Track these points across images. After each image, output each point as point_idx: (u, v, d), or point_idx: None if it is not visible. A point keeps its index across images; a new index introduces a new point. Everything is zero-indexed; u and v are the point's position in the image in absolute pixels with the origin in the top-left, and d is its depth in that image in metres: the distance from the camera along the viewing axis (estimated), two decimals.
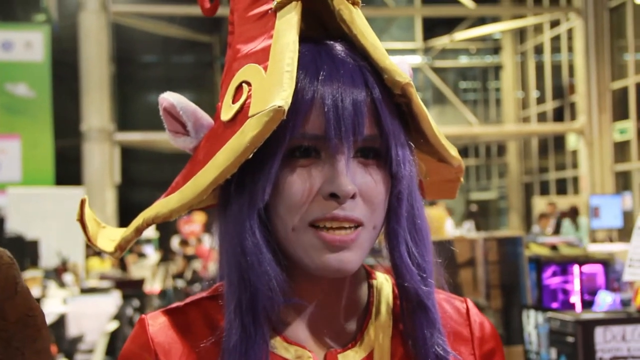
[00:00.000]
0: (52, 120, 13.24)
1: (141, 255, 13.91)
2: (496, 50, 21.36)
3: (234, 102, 0.88)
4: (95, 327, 6.45)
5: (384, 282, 0.98)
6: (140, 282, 9.63)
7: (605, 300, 3.01)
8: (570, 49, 16.75)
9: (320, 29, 0.94)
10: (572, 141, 16.56)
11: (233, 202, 0.87)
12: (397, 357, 0.92)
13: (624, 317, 2.31)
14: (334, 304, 0.92)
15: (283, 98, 0.82)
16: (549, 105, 18.04)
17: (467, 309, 1.00)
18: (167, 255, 14.03)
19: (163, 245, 15.40)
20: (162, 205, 0.91)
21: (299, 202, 0.85)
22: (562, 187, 17.55)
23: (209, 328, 0.91)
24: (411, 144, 0.91)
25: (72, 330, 6.54)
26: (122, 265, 11.30)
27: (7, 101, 13.20)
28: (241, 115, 0.86)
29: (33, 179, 12.60)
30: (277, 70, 0.84)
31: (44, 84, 13.10)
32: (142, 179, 19.32)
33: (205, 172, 0.86)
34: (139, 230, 0.93)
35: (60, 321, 6.42)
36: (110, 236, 0.97)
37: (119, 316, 6.70)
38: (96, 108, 14.19)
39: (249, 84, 0.87)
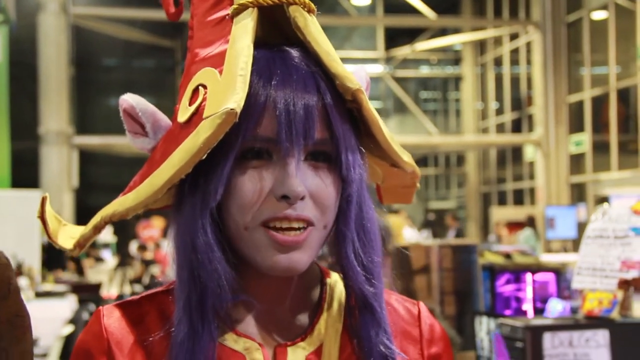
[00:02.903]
0: (9, 122, 13.02)
1: (98, 259, 13.77)
2: (456, 61, 21.57)
3: (190, 104, 0.91)
4: (49, 331, 6.35)
5: (338, 281, 1.00)
6: (97, 287, 9.54)
7: (556, 308, 3.08)
8: (529, 61, 16.99)
9: (279, 36, 0.96)
10: (530, 152, 16.78)
11: (186, 202, 0.90)
12: (346, 352, 0.95)
13: (571, 324, 2.37)
14: (283, 301, 0.95)
15: (236, 101, 0.85)
16: (508, 117, 18.27)
17: (419, 311, 1.03)
18: (124, 260, 13.90)
19: (121, 249, 15.26)
20: (119, 204, 0.94)
21: (250, 202, 0.87)
22: (519, 198, 17.77)
23: (162, 321, 0.93)
24: (362, 148, 0.94)
25: None
26: (79, 269, 11.16)
27: None
28: (196, 117, 0.89)
29: None
30: (231, 74, 0.87)
31: (0, 85, 12.86)
32: (100, 182, 19.10)
33: (161, 171, 0.89)
34: (97, 228, 0.96)
35: None
36: (70, 234, 0.99)
37: (74, 320, 6.62)
38: (54, 111, 13.99)
39: (204, 87, 0.90)
